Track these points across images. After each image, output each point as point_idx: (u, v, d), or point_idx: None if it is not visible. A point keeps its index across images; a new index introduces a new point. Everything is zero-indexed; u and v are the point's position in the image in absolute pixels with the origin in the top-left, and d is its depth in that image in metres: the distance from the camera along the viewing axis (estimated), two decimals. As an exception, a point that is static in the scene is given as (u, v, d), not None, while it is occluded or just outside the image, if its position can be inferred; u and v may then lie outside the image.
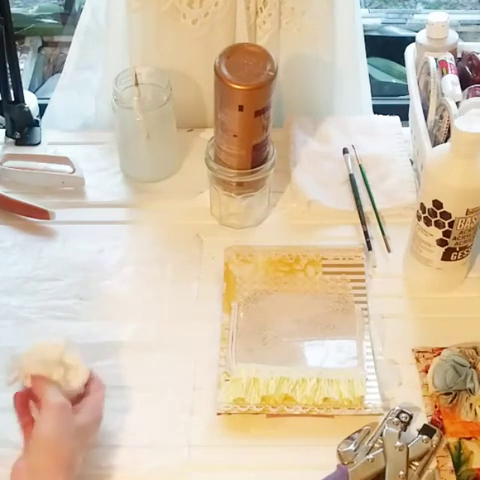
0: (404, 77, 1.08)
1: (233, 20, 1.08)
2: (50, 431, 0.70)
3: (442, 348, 0.86)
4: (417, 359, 0.87)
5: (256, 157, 0.95)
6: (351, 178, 1.07)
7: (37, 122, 1.18)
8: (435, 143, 0.97)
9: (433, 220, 0.87)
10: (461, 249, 0.90)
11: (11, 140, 1.15)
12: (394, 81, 1.93)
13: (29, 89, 1.52)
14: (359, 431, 0.80)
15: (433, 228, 0.88)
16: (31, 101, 1.18)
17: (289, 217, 1.04)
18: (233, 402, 0.82)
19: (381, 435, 0.79)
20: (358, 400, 0.82)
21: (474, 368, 0.83)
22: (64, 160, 1.09)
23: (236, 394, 0.82)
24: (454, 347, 0.86)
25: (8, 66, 1.10)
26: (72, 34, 1.19)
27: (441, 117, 0.97)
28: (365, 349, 0.87)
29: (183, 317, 0.92)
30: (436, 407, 0.83)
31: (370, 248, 0.99)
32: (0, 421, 0.79)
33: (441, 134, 0.97)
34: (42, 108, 1.21)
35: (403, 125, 1.15)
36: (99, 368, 0.81)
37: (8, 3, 1.05)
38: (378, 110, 1.23)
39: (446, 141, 0.94)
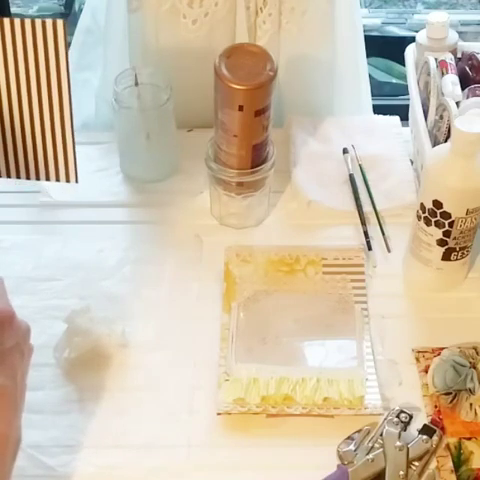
0: (404, 77, 1.08)
1: (233, 20, 1.08)
2: None
3: (442, 348, 0.86)
4: (417, 359, 0.87)
5: (256, 157, 0.95)
6: (351, 178, 1.07)
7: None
8: (435, 143, 0.97)
9: (433, 220, 0.87)
10: (461, 249, 0.90)
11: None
12: (394, 81, 1.94)
13: (29, 89, 1.52)
14: (359, 431, 0.80)
15: (433, 228, 0.88)
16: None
17: (289, 217, 1.04)
18: (233, 402, 0.82)
19: (381, 435, 0.79)
20: (358, 400, 0.82)
21: (474, 368, 0.83)
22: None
23: (236, 394, 0.82)
24: (454, 347, 0.86)
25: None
26: (72, 34, 1.20)
27: (441, 117, 0.97)
28: (365, 349, 0.87)
29: (183, 317, 0.92)
30: (436, 407, 0.83)
31: (370, 248, 0.99)
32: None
33: (441, 134, 0.97)
34: (42, 108, 1.21)
35: (403, 125, 1.15)
36: (99, 368, 0.80)
37: (8, 3, 1.05)
38: (378, 110, 1.23)
39: (446, 141, 0.94)
